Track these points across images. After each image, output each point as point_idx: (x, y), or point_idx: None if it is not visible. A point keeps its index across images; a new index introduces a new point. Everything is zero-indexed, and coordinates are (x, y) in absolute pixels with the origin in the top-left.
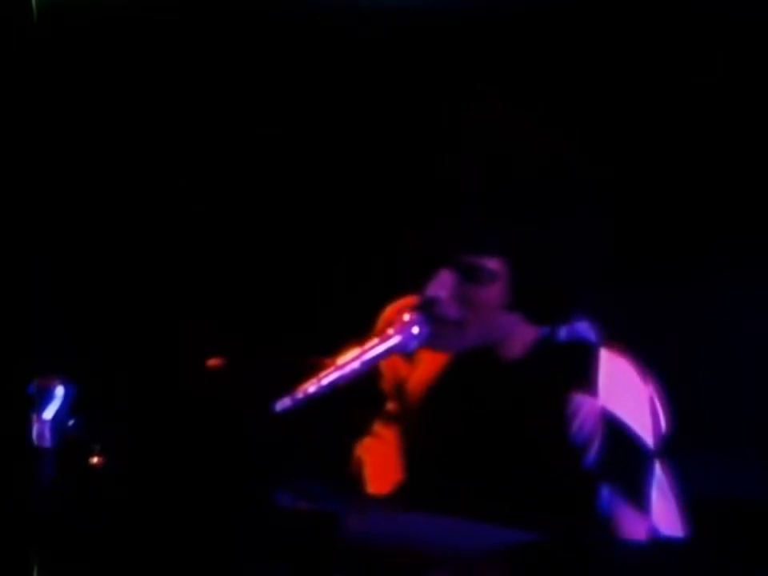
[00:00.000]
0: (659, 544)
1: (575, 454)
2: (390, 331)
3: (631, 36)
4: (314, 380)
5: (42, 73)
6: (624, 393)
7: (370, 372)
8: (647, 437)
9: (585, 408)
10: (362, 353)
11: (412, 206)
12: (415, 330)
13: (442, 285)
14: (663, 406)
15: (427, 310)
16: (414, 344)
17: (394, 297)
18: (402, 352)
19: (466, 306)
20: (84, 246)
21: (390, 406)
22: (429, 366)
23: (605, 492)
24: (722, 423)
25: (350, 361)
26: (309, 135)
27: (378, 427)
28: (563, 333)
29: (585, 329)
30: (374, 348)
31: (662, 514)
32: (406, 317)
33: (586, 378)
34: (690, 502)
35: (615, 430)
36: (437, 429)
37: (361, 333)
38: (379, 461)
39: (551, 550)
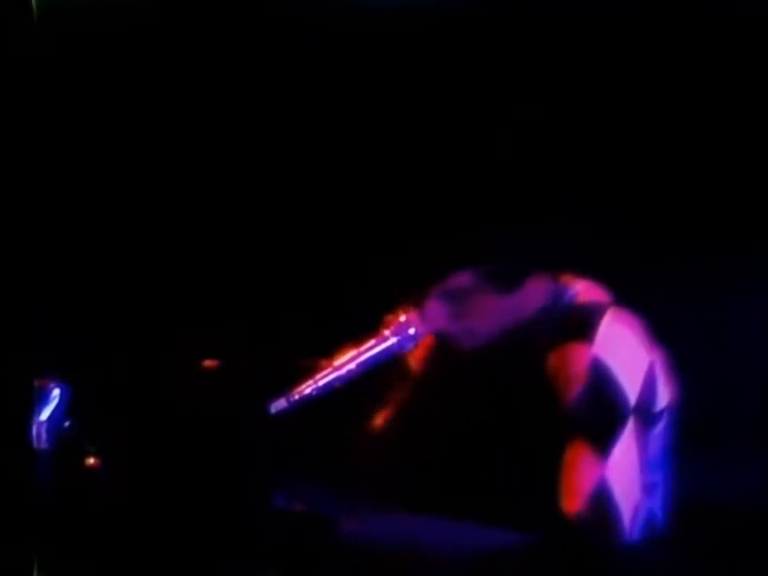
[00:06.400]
0: (658, 544)
1: (558, 397)
2: (386, 332)
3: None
4: (310, 381)
5: (42, 73)
6: (621, 347)
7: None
8: (631, 394)
9: (577, 353)
10: (358, 354)
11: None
12: (411, 331)
13: (437, 318)
14: (667, 377)
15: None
16: (410, 345)
17: (393, 299)
18: (399, 353)
19: (462, 326)
20: (82, 247)
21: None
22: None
23: (573, 435)
24: (723, 424)
25: (346, 362)
26: (310, 136)
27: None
28: (574, 298)
29: (596, 293)
30: (371, 349)
31: (619, 471)
32: (402, 318)
33: (584, 328)
34: (692, 502)
35: (601, 379)
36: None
37: (357, 334)
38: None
39: (549, 550)
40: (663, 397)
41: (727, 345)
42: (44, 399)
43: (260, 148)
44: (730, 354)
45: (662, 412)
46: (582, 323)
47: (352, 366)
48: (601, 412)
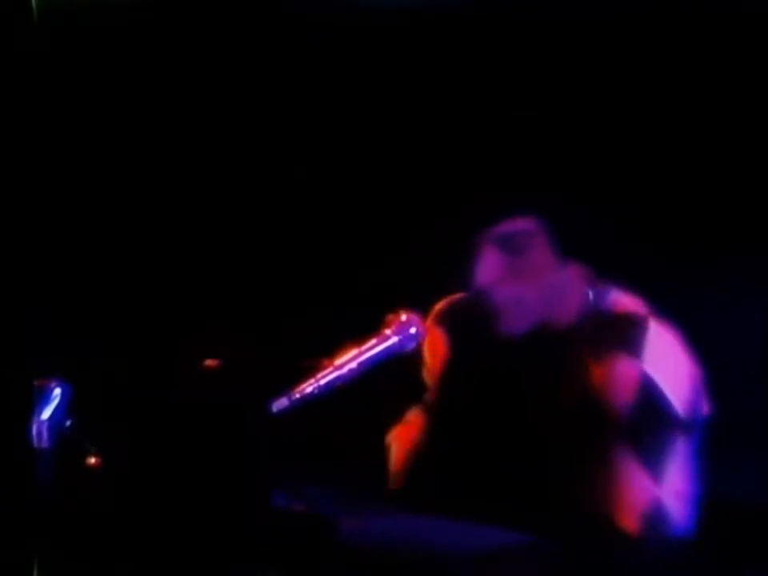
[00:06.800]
0: (661, 544)
1: (605, 412)
2: (388, 332)
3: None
4: (311, 380)
5: (42, 73)
6: (667, 361)
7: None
8: (681, 409)
9: (626, 368)
10: (359, 353)
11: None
12: (413, 330)
13: (489, 269)
14: (705, 389)
15: (481, 303)
16: (411, 344)
17: (392, 299)
18: (400, 352)
19: (519, 280)
20: (83, 247)
21: (429, 395)
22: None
23: (623, 451)
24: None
25: (347, 361)
26: (310, 136)
27: (411, 415)
28: (610, 306)
29: (632, 303)
30: (372, 349)
31: (673, 490)
32: (404, 317)
33: (631, 342)
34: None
35: (650, 393)
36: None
37: (359, 333)
38: (405, 449)
39: (550, 549)
40: (703, 407)
41: (730, 346)
42: (45, 398)
43: (260, 148)
44: (731, 355)
45: (701, 422)
46: (628, 335)
47: (353, 365)
48: (653, 431)
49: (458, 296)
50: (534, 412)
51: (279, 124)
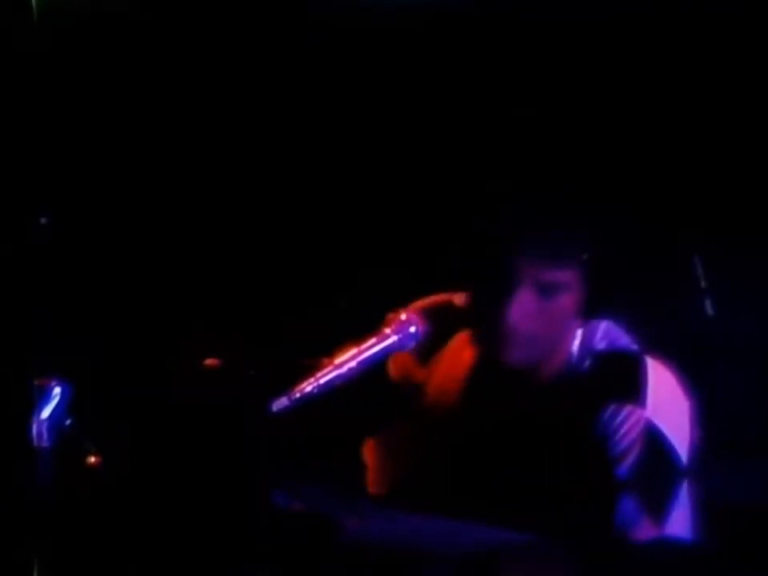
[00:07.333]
0: (665, 546)
1: (610, 464)
2: (388, 331)
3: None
4: (311, 380)
5: (42, 73)
6: (668, 406)
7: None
8: (683, 453)
9: (631, 418)
10: (359, 352)
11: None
12: (412, 329)
13: (520, 304)
14: (698, 420)
15: (492, 327)
16: (411, 344)
17: (392, 297)
18: (400, 351)
19: (539, 321)
20: (82, 246)
21: (401, 407)
22: (450, 372)
23: (628, 503)
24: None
25: (347, 360)
26: (310, 136)
27: (386, 428)
28: (602, 342)
29: (622, 337)
30: (372, 347)
31: (675, 527)
32: (404, 316)
33: (634, 389)
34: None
35: (656, 444)
36: (461, 436)
37: (358, 332)
38: (379, 462)
39: (549, 549)
40: (697, 438)
41: (731, 348)
42: (45, 398)
43: (260, 148)
44: (732, 357)
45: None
46: (626, 380)
47: (353, 364)
48: (659, 483)
49: (439, 298)
50: (525, 459)
51: (279, 123)
